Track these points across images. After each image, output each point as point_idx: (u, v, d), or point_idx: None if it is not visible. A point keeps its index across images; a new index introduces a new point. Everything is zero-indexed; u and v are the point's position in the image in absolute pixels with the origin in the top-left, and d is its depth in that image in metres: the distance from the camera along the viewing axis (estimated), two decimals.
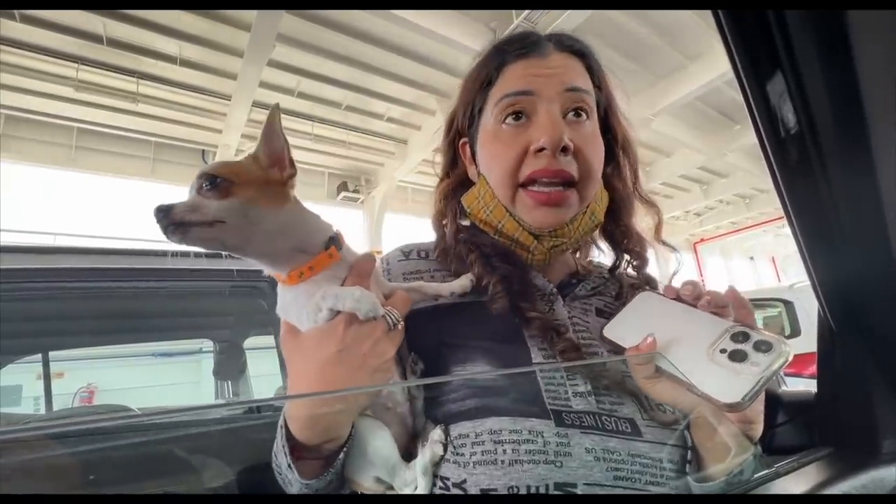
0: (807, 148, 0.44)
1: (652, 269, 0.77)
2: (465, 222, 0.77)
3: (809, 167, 0.46)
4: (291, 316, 0.56)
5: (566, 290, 0.72)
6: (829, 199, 0.48)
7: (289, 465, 0.52)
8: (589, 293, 0.73)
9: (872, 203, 0.46)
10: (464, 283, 0.65)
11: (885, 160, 0.43)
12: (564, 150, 0.62)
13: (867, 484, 0.55)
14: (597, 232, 0.78)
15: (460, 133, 0.76)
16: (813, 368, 0.71)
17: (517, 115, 0.65)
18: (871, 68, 0.36)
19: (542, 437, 0.53)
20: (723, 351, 0.52)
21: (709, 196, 11.55)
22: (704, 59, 6.23)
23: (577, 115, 0.65)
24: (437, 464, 0.56)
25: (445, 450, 0.56)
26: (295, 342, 0.55)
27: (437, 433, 0.56)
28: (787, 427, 0.77)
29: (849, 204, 0.49)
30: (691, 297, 0.59)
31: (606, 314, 0.71)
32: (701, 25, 5.62)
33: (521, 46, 0.68)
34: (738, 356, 0.50)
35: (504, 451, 0.53)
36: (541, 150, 0.62)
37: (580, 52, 0.70)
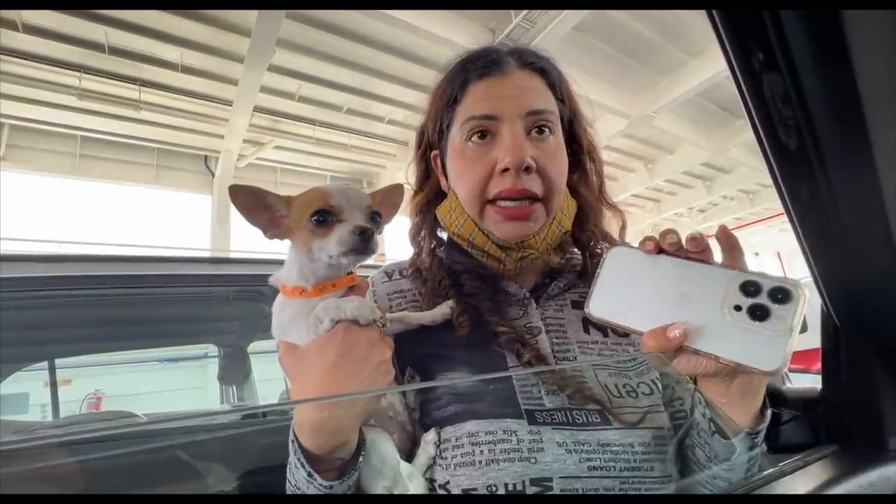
0: (805, 144, 0.43)
1: None
2: (443, 234, 0.79)
3: (808, 164, 0.45)
4: (290, 334, 0.58)
5: (539, 291, 0.74)
6: (829, 195, 0.48)
7: (309, 474, 0.52)
8: (562, 290, 0.75)
9: (873, 198, 0.46)
10: (444, 310, 0.68)
11: (885, 154, 0.43)
12: (527, 169, 0.65)
13: (874, 482, 0.55)
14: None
15: (431, 146, 0.78)
16: (820, 365, 0.71)
17: (482, 133, 0.68)
18: (868, 64, 0.36)
19: (516, 435, 0.57)
20: (737, 308, 0.46)
21: (712, 192, 11.50)
22: (705, 55, 6.21)
23: (541, 131, 0.68)
24: (429, 467, 0.60)
25: (437, 450, 0.59)
26: (296, 355, 0.57)
27: (430, 435, 0.61)
28: (792, 424, 0.77)
29: (849, 199, 0.48)
30: (675, 246, 0.51)
31: (582, 305, 0.69)
32: (701, 22, 5.59)
33: (483, 65, 0.70)
34: (759, 313, 0.45)
35: (481, 451, 0.57)
36: (505, 169, 0.65)
37: (541, 69, 0.72)
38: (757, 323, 0.45)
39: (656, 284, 0.51)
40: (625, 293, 0.53)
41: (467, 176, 0.69)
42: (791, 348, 0.43)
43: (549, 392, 0.62)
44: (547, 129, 0.68)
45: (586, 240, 0.77)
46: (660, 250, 0.52)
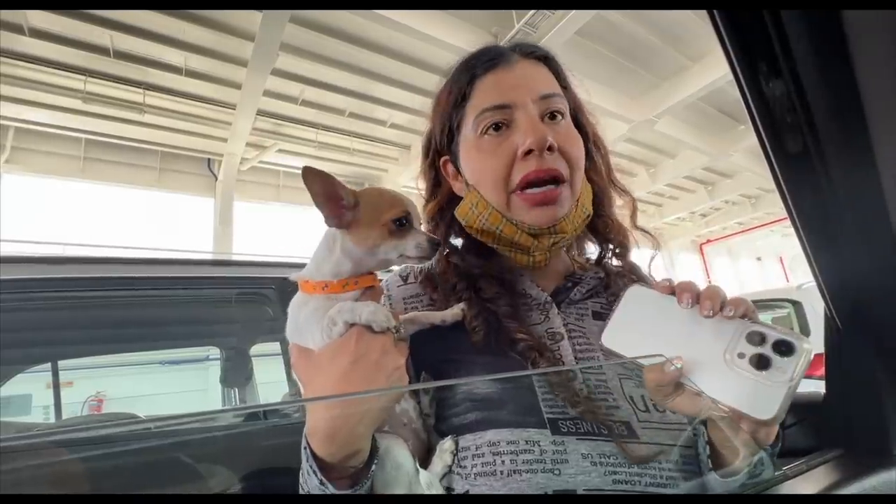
0: (807, 147, 0.44)
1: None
2: (457, 241, 0.78)
3: (811, 166, 0.45)
4: (304, 336, 0.58)
5: (561, 296, 0.73)
6: (831, 198, 0.48)
7: (321, 482, 0.50)
8: (584, 297, 0.73)
9: (875, 201, 0.46)
10: (455, 312, 0.68)
11: (887, 157, 0.43)
12: (550, 148, 0.65)
13: (877, 486, 0.54)
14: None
15: (440, 152, 0.78)
16: (823, 369, 0.70)
17: (497, 125, 0.68)
18: (870, 66, 0.36)
19: (539, 446, 0.55)
20: (741, 356, 0.48)
21: (714, 197, 11.48)
22: (707, 60, 6.22)
23: (553, 117, 0.69)
24: (445, 475, 0.58)
25: (454, 459, 0.58)
26: (309, 361, 0.56)
27: (447, 443, 0.59)
28: (795, 429, 0.77)
29: (852, 202, 0.48)
30: (691, 303, 0.54)
31: (603, 316, 0.71)
32: (703, 26, 5.61)
33: (487, 59, 0.71)
34: (761, 363, 0.46)
35: (503, 461, 0.55)
36: (528, 151, 0.65)
37: (543, 57, 0.74)
38: (757, 370, 0.46)
39: (667, 323, 0.53)
40: (637, 328, 0.56)
41: (489, 167, 0.69)
42: (788, 400, 0.44)
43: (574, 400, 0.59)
44: (559, 115, 0.69)
45: (602, 227, 0.77)
46: (673, 291, 0.55)
